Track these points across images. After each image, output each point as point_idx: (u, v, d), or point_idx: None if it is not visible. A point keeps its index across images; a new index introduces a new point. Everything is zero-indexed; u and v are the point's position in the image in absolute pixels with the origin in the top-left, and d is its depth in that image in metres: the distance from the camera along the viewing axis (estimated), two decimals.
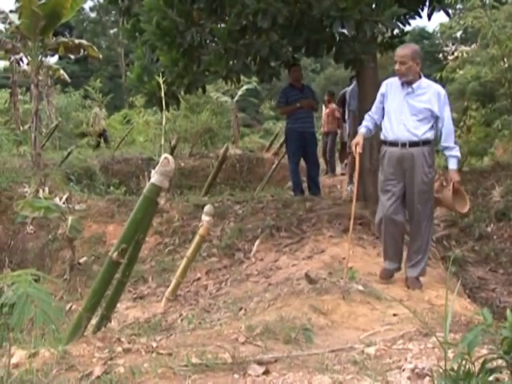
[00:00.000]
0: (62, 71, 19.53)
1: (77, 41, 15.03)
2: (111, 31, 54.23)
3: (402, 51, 5.48)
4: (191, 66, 7.49)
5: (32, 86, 13.95)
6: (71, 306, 7.49)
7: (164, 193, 8.60)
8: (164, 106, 8.41)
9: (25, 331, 5.73)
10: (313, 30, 7.09)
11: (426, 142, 5.48)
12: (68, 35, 45.38)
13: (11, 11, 15.65)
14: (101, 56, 16.34)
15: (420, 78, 5.53)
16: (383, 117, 5.74)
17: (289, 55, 8.16)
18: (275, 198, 9.28)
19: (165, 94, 8.25)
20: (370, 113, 5.81)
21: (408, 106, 5.51)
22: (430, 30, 45.31)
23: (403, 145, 5.49)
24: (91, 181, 13.69)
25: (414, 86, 5.49)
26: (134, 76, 8.44)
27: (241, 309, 5.25)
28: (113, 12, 46.10)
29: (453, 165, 5.64)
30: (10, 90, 19.82)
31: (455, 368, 2.14)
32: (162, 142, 10.95)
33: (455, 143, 5.66)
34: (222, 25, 7.35)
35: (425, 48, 45.06)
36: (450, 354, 2.45)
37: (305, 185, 10.01)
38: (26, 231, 10.24)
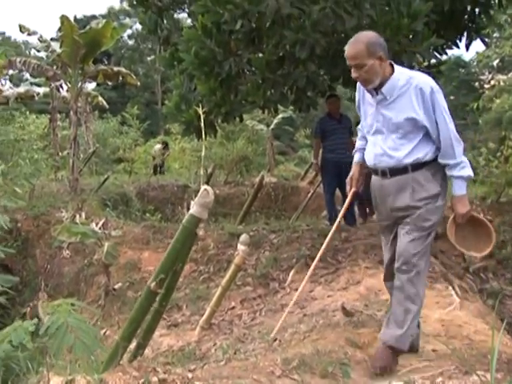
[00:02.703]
0: (100, 98, 19.89)
1: (115, 68, 15.35)
2: (148, 58, 55.04)
3: (351, 50, 3.83)
4: (229, 96, 7.55)
5: (71, 113, 14.24)
6: (105, 332, 7.53)
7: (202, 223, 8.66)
8: (201, 135, 8.46)
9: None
10: None
11: (418, 166, 3.91)
12: (106, 62, 46.20)
13: (52, 39, 16.02)
14: (138, 83, 16.59)
15: (392, 73, 3.89)
16: None
17: (326, 85, 8.19)
18: (310, 228, 9.24)
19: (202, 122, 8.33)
20: (360, 128, 4.41)
21: (384, 120, 3.96)
22: (466, 59, 45.16)
23: (383, 173, 4.02)
24: (127, 207, 13.82)
25: (385, 89, 3.87)
26: (171, 104, 8.53)
27: (275, 340, 5.21)
28: (150, 40, 46.86)
29: (458, 189, 3.94)
30: (50, 115, 20.15)
31: None
32: (201, 172, 11.01)
33: (459, 157, 3.89)
34: (260, 55, 7.41)
35: (461, 77, 44.95)
36: None
37: None
38: (63, 256, 10.35)
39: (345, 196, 9.83)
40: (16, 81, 45.23)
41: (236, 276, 6.66)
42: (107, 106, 21.31)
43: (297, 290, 6.97)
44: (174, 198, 14.33)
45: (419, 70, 6.81)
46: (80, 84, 14.40)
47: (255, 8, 6.58)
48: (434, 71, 7.97)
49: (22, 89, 18.12)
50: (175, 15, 9.52)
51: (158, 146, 20.89)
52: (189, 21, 10.26)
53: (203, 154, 10.08)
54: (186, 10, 9.43)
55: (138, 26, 48.33)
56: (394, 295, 4.07)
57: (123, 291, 8.59)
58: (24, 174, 11.98)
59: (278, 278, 7.55)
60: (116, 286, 8.72)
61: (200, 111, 6.16)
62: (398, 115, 3.89)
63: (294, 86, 7.27)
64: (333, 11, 6.41)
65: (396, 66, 3.94)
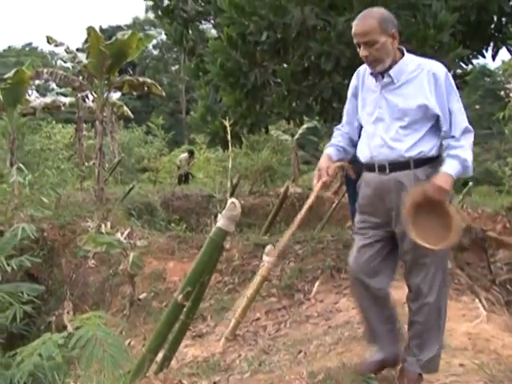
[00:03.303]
0: (125, 108, 20.06)
1: (141, 79, 15.49)
2: (173, 68, 55.44)
3: (362, 25, 3.46)
4: (254, 107, 7.58)
5: (97, 123, 14.38)
6: (130, 342, 7.55)
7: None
8: (227, 146, 8.48)
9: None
10: None
11: (421, 162, 3.50)
12: (131, 72, 46.63)
13: (78, 49, 16.22)
14: (163, 93, 16.72)
15: (402, 57, 3.57)
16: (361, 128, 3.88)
17: None
18: (335, 239, 9.20)
19: (228, 133, 8.35)
20: (339, 126, 4.00)
21: (388, 106, 3.56)
22: (492, 68, 44.85)
23: (381, 168, 3.56)
24: (152, 216, 13.88)
25: (393, 72, 3.51)
26: (197, 115, 8.57)
27: (300, 352, 5.19)
28: (174, 50, 47.21)
29: (448, 167, 3.42)
30: (76, 125, 20.39)
31: None
32: (228, 184, 11.05)
33: (464, 141, 3.49)
34: (285, 66, 7.43)
35: (486, 86, 44.63)
36: None
37: None
38: (88, 265, 10.41)
39: None
40: (42, 90, 45.80)
41: (261, 287, 6.66)
42: (132, 116, 21.49)
43: (322, 301, 6.99)
44: (199, 207, 14.39)
45: None
46: (106, 94, 14.53)
47: (280, 19, 6.60)
48: (459, 82, 7.95)
49: (48, 99, 18.36)
50: (200, 26, 9.57)
51: (184, 156, 20.98)
52: (214, 31, 10.33)
53: (230, 165, 10.09)
54: (211, 21, 9.48)
55: (163, 36, 48.67)
56: (410, 319, 3.77)
57: (148, 301, 8.61)
58: (50, 183, 12.10)
59: (302, 289, 7.52)
60: (141, 296, 8.75)
61: (226, 124, 6.20)
62: (405, 101, 3.51)
63: (320, 97, 7.27)
64: None
65: (406, 52, 3.61)
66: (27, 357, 6.44)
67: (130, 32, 14.16)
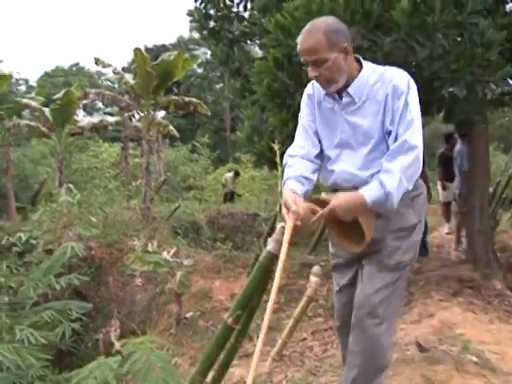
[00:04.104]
0: (171, 127, 20.30)
1: (187, 99, 15.68)
2: (217, 86, 55.86)
3: (307, 41, 2.98)
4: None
5: (143, 142, 14.60)
6: (176, 361, 7.59)
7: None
8: (273, 166, 8.47)
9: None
10: (423, 91, 7.05)
11: None
12: (176, 90, 47.12)
13: (123, 69, 16.50)
14: (209, 112, 16.88)
15: (360, 68, 3.12)
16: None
17: None
18: None
19: (275, 153, 8.35)
20: (292, 150, 3.38)
21: (351, 130, 3.12)
22: None
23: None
24: (197, 235, 13.95)
25: (352, 89, 3.08)
26: (243, 135, 8.62)
27: None
28: (219, 68, 47.63)
29: (366, 189, 2.92)
30: (122, 143, 20.70)
31: None
32: (277, 207, 11.12)
33: (396, 167, 2.91)
34: None
35: None
36: None
37: None
38: (135, 283, 10.52)
39: None
40: (89, 109, 46.53)
41: (308, 307, 6.64)
42: (178, 135, 21.73)
43: None
44: (244, 226, 14.39)
45: None
46: (152, 114, 14.74)
47: None
48: (507, 99, 7.86)
49: (96, 119, 18.72)
50: (246, 47, 9.65)
51: (230, 175, 21.12)
52: (258, 50, 10.41)
53: (279, 189, 10.14)
54: (257, 41, 9.55)
55: (207, 55, 49.19)
56: (351, 353, 3.24)
57: (194, 320, 8.65)
58: (98, 202, 12.28)
59: None
60: (187, 315, 8.79)
61: (275, 146, 6.22)
62: (370, 121, 3.06)
63: None
64: (405, 42, 6.40)
65: (364, 61, 3.17)
66: (83, 379, 6.53)
67: (175, 53, 14.37)
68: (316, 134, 3.32)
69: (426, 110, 7.36)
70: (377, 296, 3.09)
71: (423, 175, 9.75)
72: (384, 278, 3.10)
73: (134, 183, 18.21)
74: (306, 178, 3.22)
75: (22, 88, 52.86)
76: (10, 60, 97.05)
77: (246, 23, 9.30)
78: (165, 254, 9.35)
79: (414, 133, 2.96)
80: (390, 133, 3.02)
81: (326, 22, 3.02)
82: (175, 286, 8.16)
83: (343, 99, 3.12)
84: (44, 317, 8.09)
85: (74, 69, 57.49)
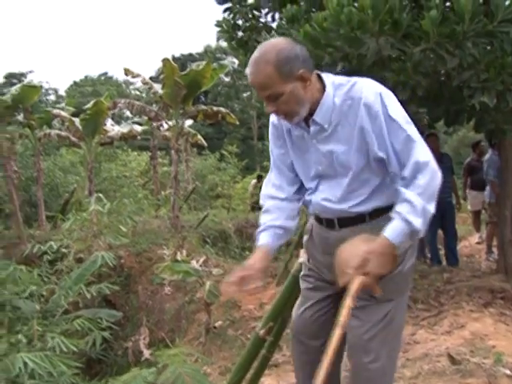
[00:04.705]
0: (199, 136, 20.41)
1: (215, 108, 15.74)
2: (244, 94, 55.94)
3: (256, 76, 2.58)
4: None
5: (172, 152, 14.68)
6: (205, 370, 7.62)
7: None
8: None
9: None
10: (452, 100, 7.04)
11: (380, 211, 2.74)
12: (203, 99, 47.33)
13: (151, 78, 16.64)
14: (237, 122, 16.94)
15: (323, 90, 2.67)
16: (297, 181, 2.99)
17: (426, 124, 8.12)
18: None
19: None
20: (268, 190, 3.03)
21: (325, 159, 2.75)
22: None
23: (329, 224, 2.87)
24: (226, 244, 13.99)
25: (318, 116, 2.66)
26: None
27: None
28: (246, 77, 47.69)
29: (389, 231, 2.52)
30: (150, 153, 20.84)
31: None
32: (306, 219, 11.13)
33: (414, 193, 2.52)
34: None
35: None
36: None
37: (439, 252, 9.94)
38: (164, 292, 10.58)
39: (447, 236, 9.71)
40: (117, 118, 46.94)
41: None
42: (206, 144, 21.83)
43: None
44: None
45: None
46: (181, 124, 14.83)
47: (356, 51, 6.62)
48: None
49: (125, 128, 18.83)
50: None
51: (253, 182, 21.17)
52: None
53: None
54: None
55: (235, 64, 49.35)
56: None
57: (224, 329, 8.68)
58: (128, 211, 12.37)
59: None
60: (216, 324, 8.82)
61: None
62: (345, 147, 2.67)
63: None
64: (434, 52, 6.38)
65: (326, 78, 2.72)
66: None
67: (204, 62, 14.43)
68: (291, 166, 2.96)
69: (456, 119, 7.34)
70: (368, 332, 2.73)
71: (452, 183, 9.69)
72: (375, 311, 2.73)
73: (162, 192, 18.32)
74: (284, 229, 2.92)
75: (52, 98, 53.57)
76: (40, 70, 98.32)
77: (273, 33, 9.32)
78: (194, 263, 9.41)
79: (417, 147, 2.57)
80: (381, 160, 2.63)
81: (275, 48, 2.55)
82: (205, 295, 8.19)
83: (311, 128, 2.72)
84: (75, 325, 8.18)
85: (103, 78, 58.08)
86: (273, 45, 2.60)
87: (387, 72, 6.63)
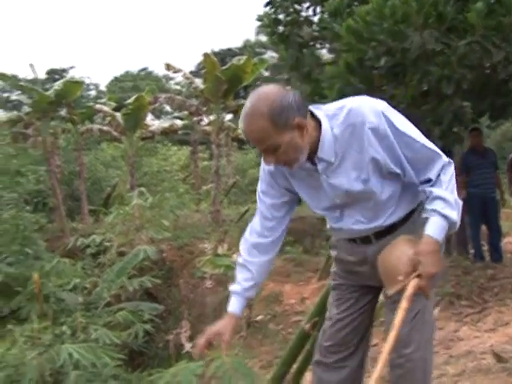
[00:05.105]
0: (239, 131, 20.43)
1: None
2: None
3: (250, 130, 2.46)
4: None
5: (213, 146, 14.74)
6: (247, 364, 7.63)
7: None
8: None
9: None
10: (498, 94, 6.95)
11: (408, 214, 2.76)
12: (243, 93, 47.35)
13: (191, 72, 16.71)
14: None
15: (319, 125, 2.54)
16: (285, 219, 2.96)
17: (470, 118, 8.02)
18: (454, 264, 8.99)
19: None
20: (249, 236, 2.99)
21: (343, 192, 2.66)
22: None
23: (364, 241, 2.82)
24: None
25: (322, 153, 2.55)
26: None
27: None
28: (284, 71, 47.60)
29: (431, 229, 2.53)
30: (191, 147, 20.93)
31: None
32: None
33: (447, 189, 2.56)
34: (404, 90, 7.37)
35: None
36: None
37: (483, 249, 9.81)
38: (205, 286, 10.64)
39: (491, 232, 9.57)
40: (157, 113, 47.28)
41: (380, 313, 6.59)
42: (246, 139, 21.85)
43: (442, 329, 6.82)
44: (313, 230, 14.29)
45: None
46: (222, 118, 14.89)
47: (399, 44, 6.57)
48: None
49: (166, 123, 18.96)
50: (315, 51, 9.64)
51: None
52: (327, 54, 10.37)
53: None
54: (327, 45, 9.54)
55: (274, 58, 49.25)
56: None
57: (265, 323, 8.69)
58: (170, 206, 12.45)
59: None
60: (258, 318, 8.84)
61: None
62: (357, 173, 2.60)
63: (440, 121, 7.16)
64: (480, 45, 6.30)
65: (318, 111, 2.57)
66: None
67: (244, 57, 14.44)
68: (284, 209, 2.92)
69: (502, 113, 7.25)
70: (408, 325, 2.69)
71: (496, 179, 9.56)
72: (412, 305, 2.59)
73: (204, 187, 18.40)
74: (257, 284, 2.98)
75: (93, 93, 54.10)
76: (81, 65, 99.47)
77: (315, 27, 9.30)
78: (235, 256, 9.43)
79: (433, 152, 2.59)
80: (396, 173, 2.62)
81: (268, 100, 2.43)
82: None
83: (318, 166, 2.61)
84: (117, 317, 8.29)
85: (143, 73, 58.41)
86: (265, 96, 2.47)
87: (431, 66, 6.57)
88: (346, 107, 2.53)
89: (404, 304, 2.43)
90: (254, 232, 2.94)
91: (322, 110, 2.58)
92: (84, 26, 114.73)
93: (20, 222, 11.29)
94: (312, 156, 2.57)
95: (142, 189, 12.23)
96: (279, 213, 2.90)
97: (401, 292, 2.50)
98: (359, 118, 2.49)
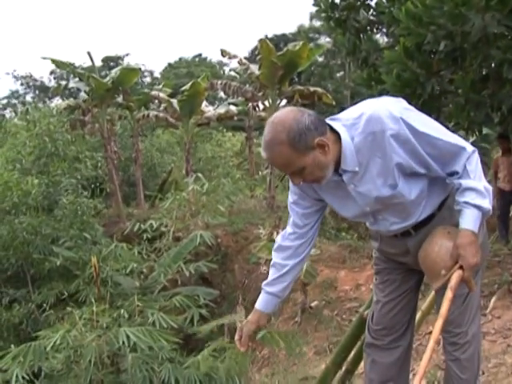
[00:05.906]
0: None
1: (312, 88, 15.68)
2: (338, 74, 55.43)
3: (273, 158, 2.52)
4: (431, 117, 7.46)
5: None
6: (301, 349, 7.67)
7: None
8: None
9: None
10: None
11: (443, 203, 2.78)
12: (297, 79, 47.21)
13: (245, 58, 16.71)
14: (334, 102, 16.80)
15: (339, 138, 2.53)
16: (316, 223, 3.03)
17: None
18: None
19: None
20: (281, 242, 3.04)
21: (372, 200, 2.68)
22: None
23: (404, 234, 2.85)
24: (321, 224, 13.96)
25: (346, 165, 2.57)
26: None
27: None
28: (339, 56, 47.20)
29: (466, 221, 2.57)
30: (245, 133, 20.98)
31: None
32: None
33: (475, 178, 2.58)
34: (463, 74, 7.24)
35: None
36: None
37: None
38: (260, 271, 10.70)
39: None
40: (211, 99, 47.49)
41: (435, 301, 6.52)
42: None
43: (499, 317, 6.72)
44: None
45: None
46: (278, 104, 14.88)
47: (460, 28, 6.44)
48: None
49: (222, 109, 18.99)
50: (373, 36, 9.54)
51: None
52: (385, 39, 10.26)
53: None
54: (384, 30, 9.43)
55: (329, 44, 48.90)
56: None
57: (319, 309, 8.72)
58: (225, 191, 12.55)
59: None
60: (312, 304, 8.87)
61: None
62: (382, 178, 2.62)
63: (500, 106, 7.02)
64: None
65: (335, 124, 2.57)
66: (204, 360, 6.73)
67: (300, 43, 14.40)
68: (315, 216, 2.99)
69: None
70: (458, 308, 2.83)
71: None
72: (460, 289, 2.68)
73: (260, 172, 18.44)
74: (277, 294, 3.02)
75: (147, 80, 54.63)
76: (136, 53, 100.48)
77: (372, 12, 9.18)
78: None
79: (456, 145, 2.59)
80: (423, 174, 2.65)
81: (285, 127, 2.45)
82: (302, 275, 8.22)
83: (344, 177, 2.65)
84: (174, 302, 8.42)
85: (197, 60, 58.68)
86: (281, 123, 2.48)
87: (493, 50, 6.42)
88: (364, 115, 2.54)
89: (449, 294, 2.52)
90: (286, 238, 3.00)
91: (339, 121, 2.59)
92: (138, 13, 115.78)
93: (78, 207, 11.56)
94: (337, 167, 2.60)
95: (200, 174, 12.33)
96: (310, 220, 2.96)
97: (445, 285, 2.55)
98: (378, 125, 2.49)
